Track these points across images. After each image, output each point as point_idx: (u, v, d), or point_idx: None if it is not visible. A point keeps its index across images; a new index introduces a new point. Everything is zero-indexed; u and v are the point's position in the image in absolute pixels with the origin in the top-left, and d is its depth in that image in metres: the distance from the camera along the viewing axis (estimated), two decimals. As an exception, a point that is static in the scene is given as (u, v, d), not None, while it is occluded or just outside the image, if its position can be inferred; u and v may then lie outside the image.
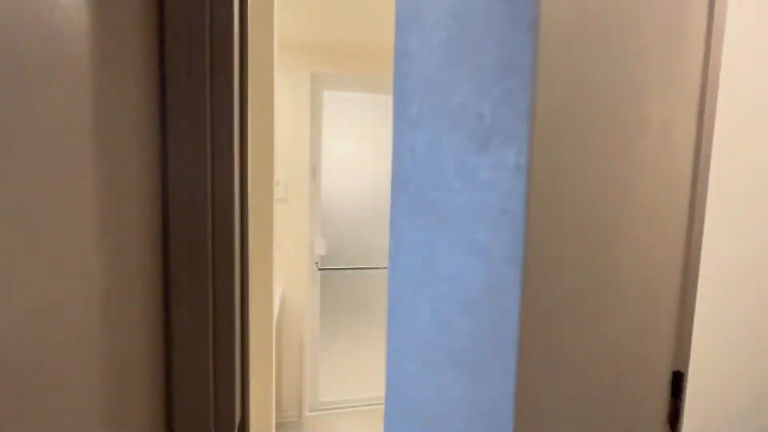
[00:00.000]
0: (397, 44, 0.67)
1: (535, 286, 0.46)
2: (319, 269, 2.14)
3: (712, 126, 0.57)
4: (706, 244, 0.60)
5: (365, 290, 2.24)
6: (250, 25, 0.54)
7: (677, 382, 0.59)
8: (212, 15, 0.41)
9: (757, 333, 1.04)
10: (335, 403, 2.26)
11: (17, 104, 0.21)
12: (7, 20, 0.20)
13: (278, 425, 2.12)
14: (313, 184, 2.10)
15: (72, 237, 0.26)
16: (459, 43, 0.54)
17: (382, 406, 2.37)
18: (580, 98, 0.47)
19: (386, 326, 0.78)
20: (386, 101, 2.13)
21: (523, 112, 0.44)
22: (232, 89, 0.44)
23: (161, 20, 0.39)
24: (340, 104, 2.10)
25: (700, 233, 0.58)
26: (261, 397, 1.13)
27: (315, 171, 2.09)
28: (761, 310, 1.04)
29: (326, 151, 2.10)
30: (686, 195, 0.56)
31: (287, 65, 1.93)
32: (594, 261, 0.50)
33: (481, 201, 0.51)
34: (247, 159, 0.54)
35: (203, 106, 0.41)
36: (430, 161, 0.62)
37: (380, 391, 2.35)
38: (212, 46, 0.41)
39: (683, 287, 0.58)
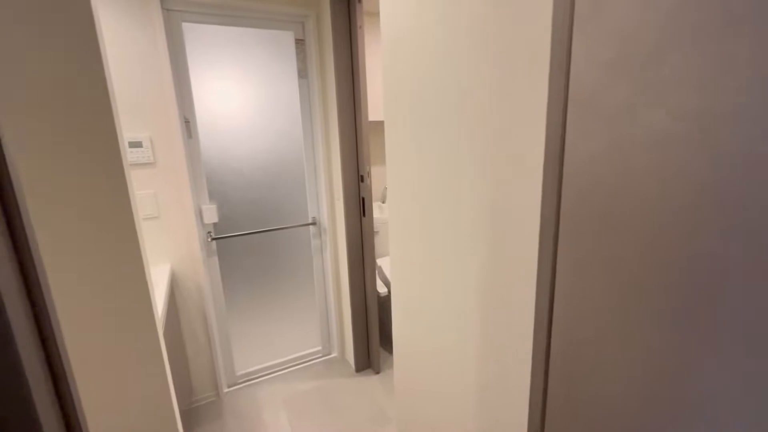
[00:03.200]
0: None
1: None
2: (213, 239, 1.90)
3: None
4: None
5: (264, 253, 2.08)
6: None
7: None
8: None
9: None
10: (253, 374, 2.17)
11: None
12: None
13: (194, 410, 1.96)
14: (189, 141, 1.78)
15: None
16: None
17: (302, 366, 2.36)
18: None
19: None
20: (259, 36, 1.84)
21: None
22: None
23: None
24: (206, 42, 1.74)
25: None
26: (151, 388, 0.98)
27: (190, 126, 1.76)
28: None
29: (199, 102, 1.77)
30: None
31: (125, -11, 1.49)
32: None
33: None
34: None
35: None
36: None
37: (297, 351, 2.35)
38: None
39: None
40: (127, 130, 1.60)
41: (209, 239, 1.89)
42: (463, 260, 0.92)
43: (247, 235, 1.98)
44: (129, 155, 1.61)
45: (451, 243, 0.96)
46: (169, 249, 1.77)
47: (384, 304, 2.39)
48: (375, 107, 2.24)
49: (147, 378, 0.98)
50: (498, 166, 0.77)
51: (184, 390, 1.77)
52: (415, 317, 1.18)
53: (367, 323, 2.18)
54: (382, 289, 2.22)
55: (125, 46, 1.54)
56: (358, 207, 1.99)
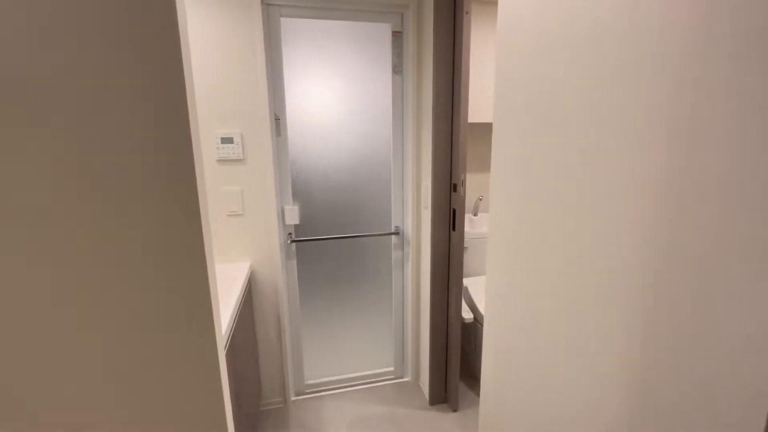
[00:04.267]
0: None
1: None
2: (293, 241, 1.83)
3: None
4: None
5: (343, 261, 1.95)
6: None
7: None
8: None
9: None
10: (321, 386, 2.06)
11: None
12: None
13: (263, 413, 1.91)
14: (278, 139, 1.73)
15: None
16: None
17: (372, 385, 2.17)
18: None
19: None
20: (354, 29, 1.72)
21: None
22: None
23: None
24: (299, 37, 1.68)
25: None
26: (201, 390, 0.86)
27: (280, 123, 1.72)
28: None
29: (290, 99, 1.71)
30: None
31: (229, -16, 1.49)
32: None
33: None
34: None
35: None
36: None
37: (368, 369, 2.18)
38: None
39: None
40: (221, 125, 1.60)
41: (289, 241, 1.82)
42: (605, 304, 0.63)
43: (326, 240, 1.88)
44: (220, 151, 1.61)
45: (586, 276, 0.67)
46: (250, 247, 1.74)
47: (468, 331, 2.10)
48: (476, 107, 1.98)
49: (200, 383, 0.87)
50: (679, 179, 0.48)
51: (253, 391, 1.72)
52: (516, 366, 0.90)
53: (447, 351, 1.92)
54: (467, 314, 1.94)
55: (225, 41, 1.53)
56: (448, 219, 1.75)
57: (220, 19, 1.51)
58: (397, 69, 1.78)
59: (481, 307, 1.97)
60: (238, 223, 1.70)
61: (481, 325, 1.93)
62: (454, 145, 1.67)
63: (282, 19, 1.62)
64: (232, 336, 1.36)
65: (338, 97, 1.76)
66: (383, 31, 1.73)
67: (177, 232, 0.75)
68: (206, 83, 1.54)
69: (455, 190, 1.69)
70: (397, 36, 1.75)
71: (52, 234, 0.69)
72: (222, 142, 1.60)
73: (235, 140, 1.61)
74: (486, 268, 1.02)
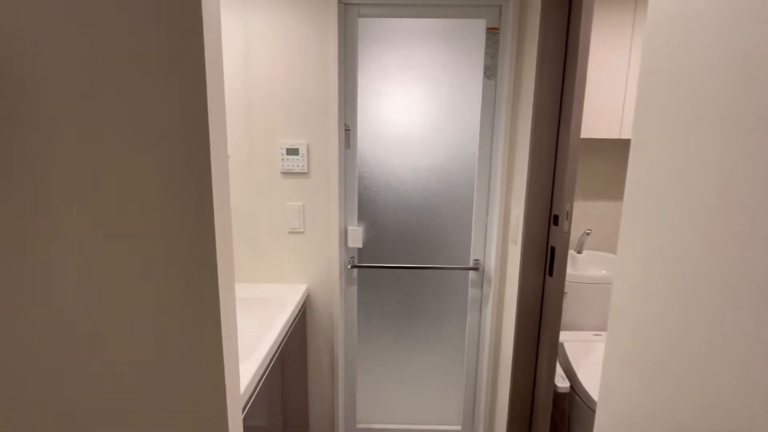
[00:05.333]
0: None
1: None
2: (354, 266, 1.63)
3: None
4: None
5: (410, 294, 1.68)
6: None
7: None
8: None
9: None
10: (375, 431, 1.80)
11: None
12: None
13: (307, 451, 1.72)
14: (347, 151, 1.56)
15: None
16: None
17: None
18: None
19: None
20: (440, 28, 1.46)
21: None
22: None
23: None
24: (376, 38, 1.49)
25: None
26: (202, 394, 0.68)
27: (350, 135, 1.54)
28: None
29: (362, 107, 1.53)
30: None
31: (307, -16, 1.37)
32: None
33: None
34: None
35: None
36: None
37: (430, 423, 1.82)
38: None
39: None
40: (287, 135, 1.48)
41: (350, 266, 1.62)
42: None
43: (393, 269, 1.64)
44: (285, 163, 1.48)
45: None
46: (308, 268, 1.58)
47: (561, 403, 1.66)
48: (593, 119, 1.58)
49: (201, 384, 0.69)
50: None
51: (300, 419, 1.53)
52: None
53: (531, 425, 1.51)
54: (562, 381, 1.51)
55: (295, 45, 1.41)
56: (544, 259, 1.38)
57: (291, 21, 1.40)
58: (490, 72, 1.48)
59: (582, 374, 1.52)
60: (298, 241, 1.56)
61: (583, 401, 1.48)
62: (559, 165, 1.30)
63: (360, 19, 1.46)
64: (278, 359, 1.19)
65: (417, 106, 1.52)
66: (475, 28, 1.46)
67: (187, 242, 0.59)
68: (275, 89, 1.44)
69: (556, 222, 1.31)
70: (493, 33, 1.46)
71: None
72: (287, 154, 1.48)
73: (300, 152, 1.48)
74: (608, 330, 0.67)
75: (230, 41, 1.40)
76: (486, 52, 1.47)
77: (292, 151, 1.48)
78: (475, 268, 1.62)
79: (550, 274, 1.35)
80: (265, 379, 1.09)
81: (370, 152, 1.56)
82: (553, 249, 1.33)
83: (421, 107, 1.52)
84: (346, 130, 1.54)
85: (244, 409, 0.93)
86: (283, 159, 1.48)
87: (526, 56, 1.35)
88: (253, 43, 1.41)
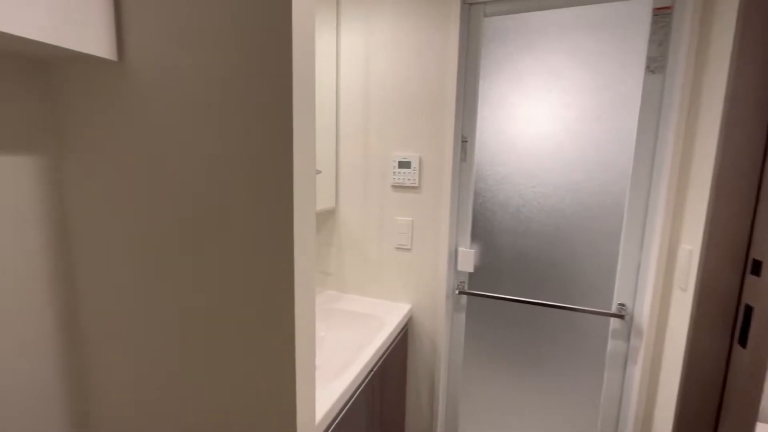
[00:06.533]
0: None
1: None
2: (462, 292, 1.46)
3: None
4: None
5: (529, 334, 1.41)
6: None
7: None
8: None
9: None
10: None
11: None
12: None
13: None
14: (463, 165, 1.42)
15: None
16: None
17: None
18: None
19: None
20: (585, 16, 1.20)
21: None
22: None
23: None
24: (502, 37, 1.30)
25: None
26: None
27: (467, 146, 1.40)
28: None
29: (482, 116, 1.37)
30: None
31: (430, -11, 1.29)
32: None
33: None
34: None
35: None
36: None
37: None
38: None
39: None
40: (400, 147, 1.42)
41: (457, 291, 1.46)
42: None
43: (508, 301, 1.41)
44: (396, 176, 1.43)
45: None
46: (413, 288, 1.48)
47: None
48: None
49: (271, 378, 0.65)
50: None
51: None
52: None
53: None
54: (753, 498, 1.04)
55: (411, 51, 1.35)
56: (731, 320, 0.98)
57: (411, 29, 1.34)
58: (656, 64, 1.15)
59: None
60: (405, 259, 1.47)
61: None
62: (764, 192, 0.91)
63: (485, 19, 1.31)
64: (370, 382, 1.13)
65: (550, 114, 1.28)
66: (636, 10, 1.15)
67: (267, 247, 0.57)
68: (391, 101, 1.40)
69: (757, 272, 0.91)
70: (662, 15, 1.13)
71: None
72: (399, 167, 1.42)
73: (412, 164, 1.40)
74: None
75: (351, 55, 1.42)
76: (651, 40, 1.14)
77: (404, 164, 1.41)
78: (620, 315, 1.27)
79: (742, 344, 0.94)
80: (351, 405, 1.02)
81: (489, 166, 1.38)
82: (749, 308, 0.93)
83: (554, 115, 1.27)
84: (462, 141, 1.40)
85: (322, 438, 0.87)
86: (394, 172, 1.43)
87: (714, 40, 1.00)
88: (373, 55, 1.40)
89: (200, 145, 0.62)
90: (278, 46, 0.55)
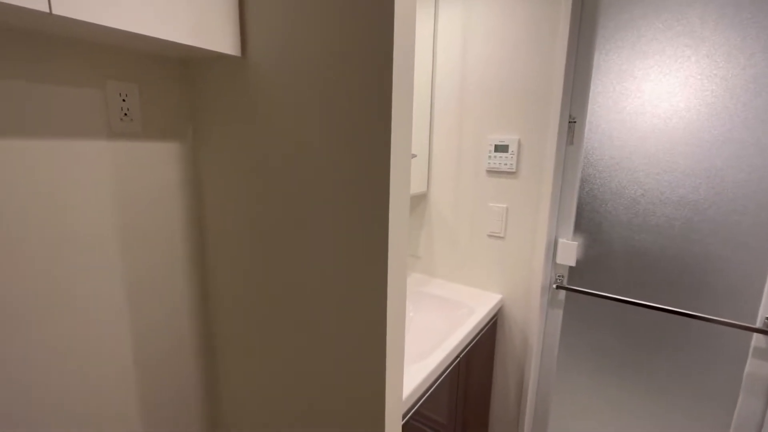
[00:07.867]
0: None
1: None
2: (560, 287, 1.35)
3: None
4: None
5: (641, 342, 1.25)
6: None
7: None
8: None
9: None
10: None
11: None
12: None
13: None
14: (569, 148, 1.29)
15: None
16: None
17: None
18: None
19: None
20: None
21: None
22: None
23: None
24: (624, 6, 1.12)
25: None
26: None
27: (574, 128, 1.27)
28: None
29: (596, 91, 1.22)
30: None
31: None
32: None
33: None
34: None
35: None
36: None
37: None
38: None
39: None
40: (497, 130, 1.34)
41: (555, 285, 1.36)
42: None
43: (616, 301, 1.26)
44: (492, 160, 1.36)
45: None
46: (505, 278, 1.42)
47: None
48: None
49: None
50: None
51: None
52: None
53: None
54: None
55: (518, 25, 1.25)
56: None
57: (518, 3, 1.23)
58: None
59: None
60: (497, 247, 1.41)
61: None
62: None
63: (606, -20, 1.15)
64: (455, 369, 1.13)
65: (683, 88, 1.08)
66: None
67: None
68: (488, 78, 1.33)
69: None
70: None
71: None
72: (495, 151, 1.35)
73: (510, 148, 1.32)
74: None
75: (448, 33, 1.38)
76: (844, -15, 0.88)
77: (501, 148, 1.34)
78: (765, 332, 1.05)
79: None
80: (437, 387, 1.03)
81: (599, 150, 1.23)
82: None
83: (690, 89, 1.07)
84: (570, 122, 1.27)
85: (405, 416, 0.90)
86: (490, 156, 1.36)
87: None
88: (471, 32, 1.34)
89: (305, 133, 0.68)
90: (380, 34, 0.56)
